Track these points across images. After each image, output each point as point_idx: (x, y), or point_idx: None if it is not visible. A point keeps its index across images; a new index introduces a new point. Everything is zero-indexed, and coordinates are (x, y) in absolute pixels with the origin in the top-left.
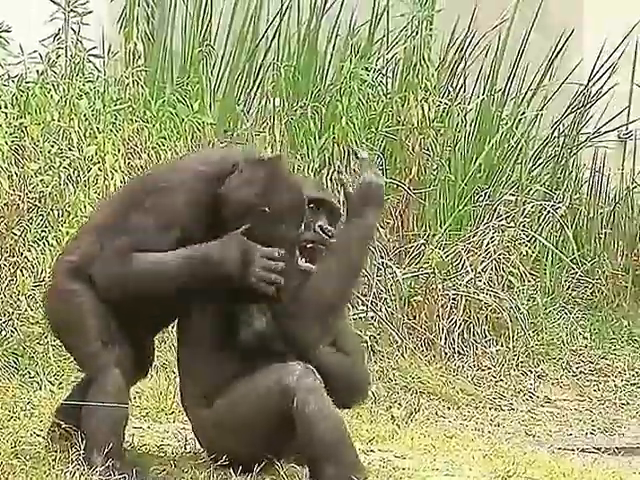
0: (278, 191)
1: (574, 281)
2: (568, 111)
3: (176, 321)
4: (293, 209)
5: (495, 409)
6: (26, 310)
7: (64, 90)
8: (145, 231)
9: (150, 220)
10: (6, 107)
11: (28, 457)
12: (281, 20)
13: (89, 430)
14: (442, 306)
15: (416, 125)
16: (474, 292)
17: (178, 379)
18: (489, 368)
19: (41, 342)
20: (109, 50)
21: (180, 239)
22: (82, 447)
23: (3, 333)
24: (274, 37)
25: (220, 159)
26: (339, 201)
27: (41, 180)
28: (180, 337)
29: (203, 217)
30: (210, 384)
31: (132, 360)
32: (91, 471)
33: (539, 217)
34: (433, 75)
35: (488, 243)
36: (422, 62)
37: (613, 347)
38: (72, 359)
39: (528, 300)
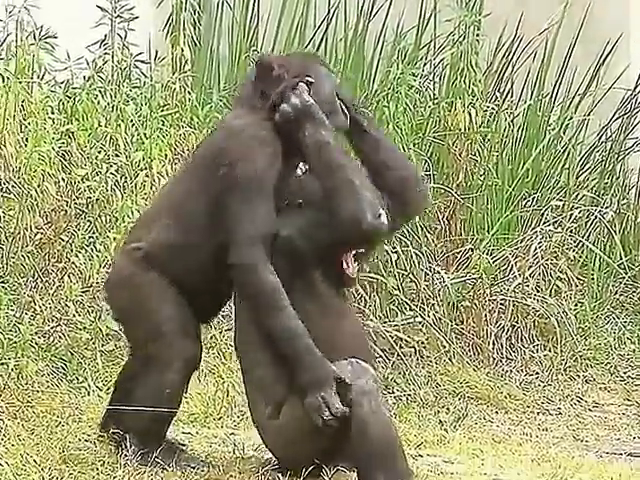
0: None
1: (622, 286)
2: (615, 116)
3: (234, 333)
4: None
5: (543, 414)
6: (74, 316)
7: (111, 96)
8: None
9: (244, 192)
10: (53, 113)
11: (76, 462)
12: (328, 26)
13: (133, 417)
14: (490, 311)
15: (463, 130)
16: (522, 297)
17: (245, 396)
18: (537, 373)
19: (89, 347)
20: (156, 56)
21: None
22: (122, 430)
23: (51, 339)
24: (321, 43)
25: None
26: None
27: (88, 186)
28: (241, 350)
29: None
30: (275, 393)
31: (199, 357)
32: (126, 454)
33: (586, 222)
34: (480, 80)
35: (536, 248)
36: (469, 67)
37: None
38: (123, 358)
39: (576, 305)
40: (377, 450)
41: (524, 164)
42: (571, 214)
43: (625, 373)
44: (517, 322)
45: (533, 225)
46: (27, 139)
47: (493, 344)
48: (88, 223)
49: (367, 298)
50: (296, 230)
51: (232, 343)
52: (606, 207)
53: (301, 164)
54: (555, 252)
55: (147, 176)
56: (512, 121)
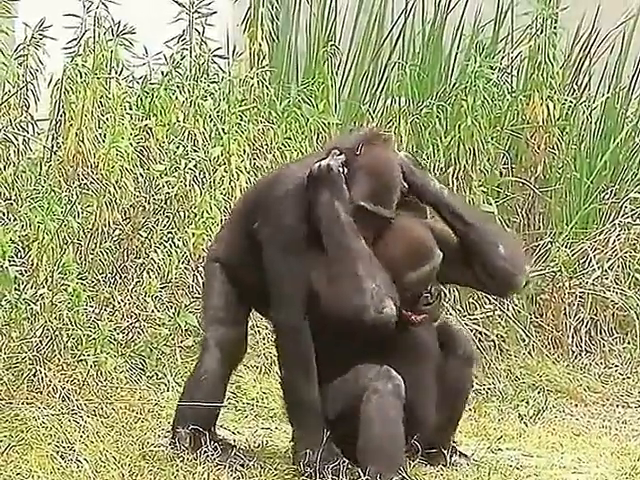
0: None
1: None
2: None
3: None
4: None
5: (622, 406)
6: (153, 311)
7: (189, 91)
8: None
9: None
10: (131, 108)
11: (156, 459)
12: (406, 19)
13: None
14: (569, 304)
15: (541, 123)
16: (601, 290)
17: None
18: (616, 366)
19: (168, 343)
20: (234, 51)
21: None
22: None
23: (130, 335)
24: (399, 36)
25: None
26: None
27: (167, 182)
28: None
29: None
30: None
31: (238, 342)
32: (178, 444)
33: None
34: (558, 73)
35: (614, 241)
36: (547, 60)
37: None
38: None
39: None
40: (377, 445)
41: (602, 157)
42: None
43: None
44: (596, 315)
45: (612, 218)
46: (105, 135)
47: (572, 337)
48: (166, 219)
49: (446, 292)
50: None
51: None
52: None
53: None
54: (634, 244)
55: (225, 171)
56: (590, 114)
